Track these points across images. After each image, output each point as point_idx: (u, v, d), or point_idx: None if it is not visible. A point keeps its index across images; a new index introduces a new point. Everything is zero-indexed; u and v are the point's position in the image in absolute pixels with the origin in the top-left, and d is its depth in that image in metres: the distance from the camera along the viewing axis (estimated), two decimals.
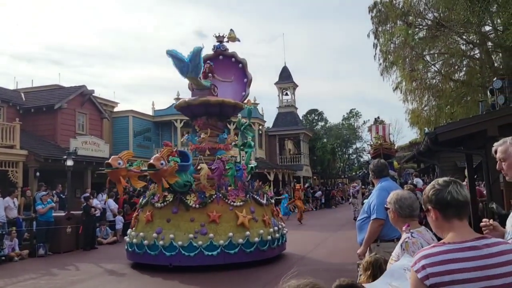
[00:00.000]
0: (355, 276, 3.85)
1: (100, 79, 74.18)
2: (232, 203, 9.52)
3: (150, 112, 27.82)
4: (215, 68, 11.62)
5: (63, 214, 13.24)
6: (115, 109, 26.00)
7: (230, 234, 9.07)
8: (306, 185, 33.56)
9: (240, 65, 12.25)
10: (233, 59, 12.29)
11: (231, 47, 12.39)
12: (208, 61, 11.44)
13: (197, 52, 9.86)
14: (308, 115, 61.32)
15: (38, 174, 15.95)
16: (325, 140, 49.92)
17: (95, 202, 14.19)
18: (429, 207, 1.86)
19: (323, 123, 63.29)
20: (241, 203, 9.60)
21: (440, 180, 1.88)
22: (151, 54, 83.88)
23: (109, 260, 10.67)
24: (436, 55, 20.42)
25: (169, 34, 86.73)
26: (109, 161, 8.52)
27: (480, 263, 1.69)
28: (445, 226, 1.84)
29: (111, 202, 15.71)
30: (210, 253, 8.87)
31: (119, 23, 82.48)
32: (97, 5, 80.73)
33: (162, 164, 8.55)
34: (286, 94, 35.83)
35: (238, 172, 9.97)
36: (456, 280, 1.66)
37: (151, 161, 8.60)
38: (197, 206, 9.29)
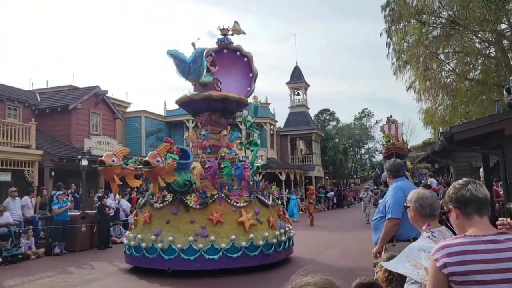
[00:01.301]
0: (370, 277, 3.85)
1: (112, 80, 74.84)
2: (235, 203, 8.95)
3: (162, 113, 28.02)
4: (219, 62, 11.01)
5: (78, 213, 13.39)
6: (128, 110, 26.23)
7: (233, 236, 8.49)
8: (318, 185, 33.47)
9: (246, 59, 11.65)
10: (238, 52, 11.70)
11: (236, 40, 11.85)
12: (210, 53, 10.84)
13: (199, 53, 9.48)
14: (320, 115, 61.23)
15: (53, 173, 16.16)
16: (337, 140, 49.80)
17: (108, 201, 14.32)
18: (451, 206, 1.95)
19: (334, 123, 63.17)
20: (244, 203, 9.01)
21: (460, 180, 1.98)
22: (163, 55, 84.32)
23: (123, 259, 10.75)
24: (450, 53, 20.19)
25: (180, 34, 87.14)
26: (103, 158, 7.90)
27: (500, 255, 1.74)
28: (466, 224, 1.91)
29: (124, 202, 15.85)
30: (211, 257, 8.29)
31: (129, 24, 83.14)
32: (103, 6, 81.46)
33: (158, 161, 7.98)
34: (298, 94, 35.78)
35: (237, 171, 9.31)
36: (474, 270, 1.72)
37: (147, 158, 8.00)
38: (198, 206, 8.72)
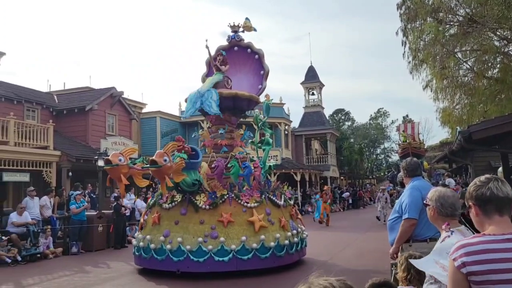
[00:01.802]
0: (388, 278, 3.79)
1: (128, 81, 75.62)
2: (245, 204, 8.71)
3: (177, 113, 28.20)
4: (230, 59, 10.80)
5: (95, 213, 13.55)
6: (143, 110, 26.48)
7: (243, 238, 8.25)
8: (333, 185, 33.28)
9: (257, 56, 11.36)
10: (248, 50, 11.42)
11: (249, 40, 11.63)
12: (220, 51, 10.66)
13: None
14: (335, 115, 60.85)
15: (70, 174, 16.39)
16: (352, 140, 49.46)
17: (125, 201, 14.45)
18: (471, 203, 1.91)
19: (350, 123, 62.69)
20: (255, 204, 8.77)
21: (482, 177, 1.92)
22: (177, 56, 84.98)
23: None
24: (468, 52, 19.83)
25: (194, 35, 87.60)
26: (109, 157, 7.72)
27: None
28: (485, 222, 1.87)
29: (139, 201, 15.97)
30: (221, 259, 8.06)
31: (144, 25, 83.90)
32: (117, 7, 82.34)
33: (165, 160, 7.75)
34: (313, 94, 35.66)
35: (245, 170, 9.01)
36: (492, 269, 1.68)
37: (153, 157, 7.80)
38: (207, 207, 8.51)
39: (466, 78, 20.36)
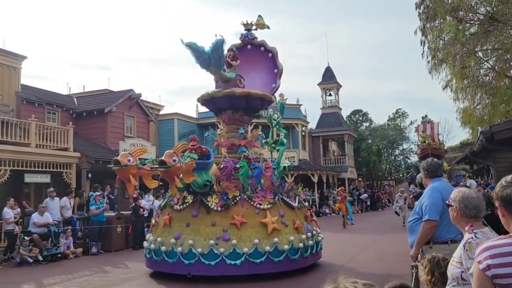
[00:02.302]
0: (409, 281, 3.73)
1: (145, 83, 76.47)
2: (258, 205, 8.44)
3: (194, 115, 28.38)
4: (243, 58, 10.68)
5: (114, 214, 13.71)
6: (161, 112, 26.71)
7: (256, 240, 7.96)
8: (351, 187, 33.01)
9: (270, 54, 11.15)
10: (262, 48, 11.22)
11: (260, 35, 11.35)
12: (232, 48, 10.41)
13: (219, 44, 8.91)
14: (352, 116, 60.44)
15: (90, 175, 16.62)
16: (370, 141, 49.02)
17: (143, 203, 14.59)
18: (497, 204, 1.88)
19: (367, 124, 62.21)
20: (268, 205, 8.50)
21: (508, 177, 1.90)
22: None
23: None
24: (489, 51, 19.48)
25: (209, 37, 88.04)
26: (118, 157, 7.56)
27: None
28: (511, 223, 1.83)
29: (157, 203, 16.07)
30: (233, 262, 7.80)
31: (160, 27, 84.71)
32: (138, 11, 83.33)
33: (174, 161, 7.52)
34: (330, 95, 35.47)
35: (255, 171, 8.72)
36: None
37: (163, 157, 7.61)
38: (219, 208, 8.25)
39: (487, 78, 20.00)
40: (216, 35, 9.21)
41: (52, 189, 13.34)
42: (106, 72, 76.86)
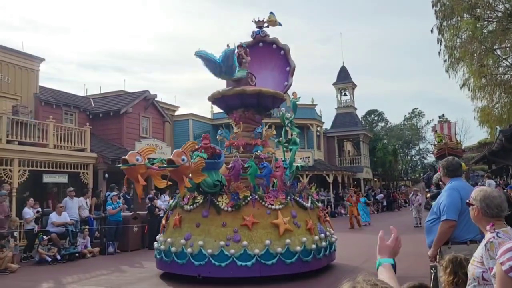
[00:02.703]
0: (427, 281, 3.67)
1: (161, 84, 77.06)
2: (270, 206, 8.23)
3: (209, 115, 28.49)
4: (255, 56, 10.51)
5: (130, 214, 13.84)
6: (176, 113, 26.89)
7: (267, 241, 7.75)
8: (367, 187, 32.74)
9: (282, 52, 10.95)
10: (274, 45, 11.04)
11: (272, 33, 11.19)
12: (241, 44, 10.22)
13: (229, 53, 8.94)
14: (368, 116, 59.97)
15: (106, 175, 16.81)
16: (385, 141, 48.56)
17: (158, 203, 14.70)
18: None
19: (383, 124, 61.64)
20: (280, 206, 8.28)
21: None
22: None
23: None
24: (508, 49, 19.15)
25: (225, 38, 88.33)
26: (126, 156, 7.35)
27: None
28: None
29: None
30: (243, 264, 7.59)
31: (176, 29, 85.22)
32: (151, 12, 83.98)
33: (183, 160, 7.28)
34: (345, 95, 35.26)
35: (263, 171, 8.50)
36: None
37: (171, 156, 7.41)
38: (230, 209, 8.04)
39: (506, 76, 19.66)
40: (228, 45, 9.26)
41: (71, 188, 13.54)
42: (121, 73, 77.69)
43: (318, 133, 30.63)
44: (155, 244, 8.99)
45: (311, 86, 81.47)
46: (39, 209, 12.57)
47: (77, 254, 11.63)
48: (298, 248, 7.93)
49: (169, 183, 7.97)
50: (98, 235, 13.85)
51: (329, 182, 27.37)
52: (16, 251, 10.85)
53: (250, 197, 8.27)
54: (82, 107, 20.36)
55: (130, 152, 7.65)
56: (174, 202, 9.16)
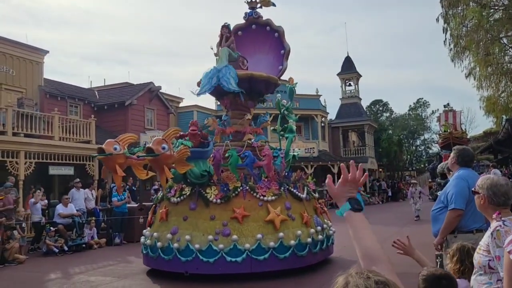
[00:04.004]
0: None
1: (164, 77, 76.99)
2: (261, 197, 7.67)
3: (213, 107, 28.46)
4: (247, 39, 10.03)
5: (136, 205, 13.91)
6: (180, 105, 26.87)
7: (259, 235, 7.23)
8: (372, 178, 32.72)
9: (276, 34, 10.25)
10: (267, 27, 10.34)
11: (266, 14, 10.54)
12: (225, 24, 9.53)
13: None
14: (372, 106, 59.70)
15: None
16: (390, 131, 48.31)
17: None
18: None
19: (388, 114, 61.34)
20: (273, 197, 7.72)
21: None
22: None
23: None
24: None
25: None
26: (103, 145, 6.74)
27: None
28: None
29: None
30: (233, 259, 7.08)
31: (180, 21, 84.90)
32: (154, 4, 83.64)
33: (164, 148, 6.65)
34: (349, 85, 35.09)
35: (245, 160, 7.90)
36: None
37: (150, 144, 6.76)
38: (219, 201, 7.51)
39: None
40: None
41: (78, 179, 13.61)
42: (124, 66, 77.66)
43: (322, 124, 30.56)
44: (142, 239, 8.47)
45: (315, 76, 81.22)
46: (46, 201, 12.67)
47: (84, 245, 11.74)
48: (292, 242, 7.43)
49: (151, 173, 7.39)
50: (104, 226, 13.95)
51: (334, 172, 27.33)
52: (23, 243, 10.96)
53: (241, 188, 7.72)
54: (87, 99, 20.42)
55: (108, 140, 7.06)
56: (161, 194, 8.59)
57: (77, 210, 12.32)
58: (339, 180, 1.56)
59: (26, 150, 13.58)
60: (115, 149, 6.68)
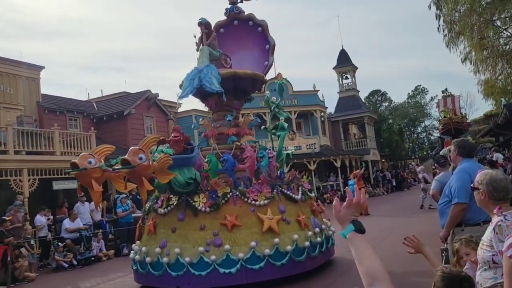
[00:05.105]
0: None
1: (161, 81, 77.00)
2: (253, 202, 7.23)
3: None
4: (230, 36, 9.70)
5: (140, 215, 13.91)
6: (179, 110, 26.87)
7: (253, 243, 6.78)
8: (375, 168, 32.71)
9: (260, 28, 9.76)
10: (250, 22, 9.88)
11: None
12: (200, 22, 8.89)
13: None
14: (371, 97, 59.71)
15: None
16: (391, 121, 48.36)
17: None
18: None
19: (387, 104, 61.38)
20: (265, 201, 7.26)
21: None
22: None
23: None
24: (507, 19, 18.90)
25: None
26: (76, 160, 6.30)
27: None
28: None
29: None
30: (227, 271, 6.65)
31: (173, 24, 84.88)
32: (149, 8, 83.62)
33: (141, 159, 6.13)
34: (346, 78, 35.03)
35: (225, 164, 7.42)
36: None
37: (126, 155, 6.14)
38: (208, 209, 7.06)
39: (508, 47, 19.46)
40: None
41: (82, 193, 13.60)
42: (120, 73, 77.73)
43: (322, 119, 30.53)
44: (131, 254, 8.05)
45: (312, 71, 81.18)
46: (51, 217, 12.70)
47: (93, 258, 11.76)
48: (289, 248, 6.97)
49: (131, 185, 6.96)
50: (112, 238, 13.97)
51: (337, 166, 27.33)
52: (33, 260, 10.99)
53: (230, 193, 7.28)
54: (86, 111, 20.44)
55: (82, 154, 6.67)
56: (149, 205, 8.06)
57: (83, 224, 12.35)
58: (344, 204, 1.65)
59: (29, 168, 13.61)
60: (90, 162, 6.32)
